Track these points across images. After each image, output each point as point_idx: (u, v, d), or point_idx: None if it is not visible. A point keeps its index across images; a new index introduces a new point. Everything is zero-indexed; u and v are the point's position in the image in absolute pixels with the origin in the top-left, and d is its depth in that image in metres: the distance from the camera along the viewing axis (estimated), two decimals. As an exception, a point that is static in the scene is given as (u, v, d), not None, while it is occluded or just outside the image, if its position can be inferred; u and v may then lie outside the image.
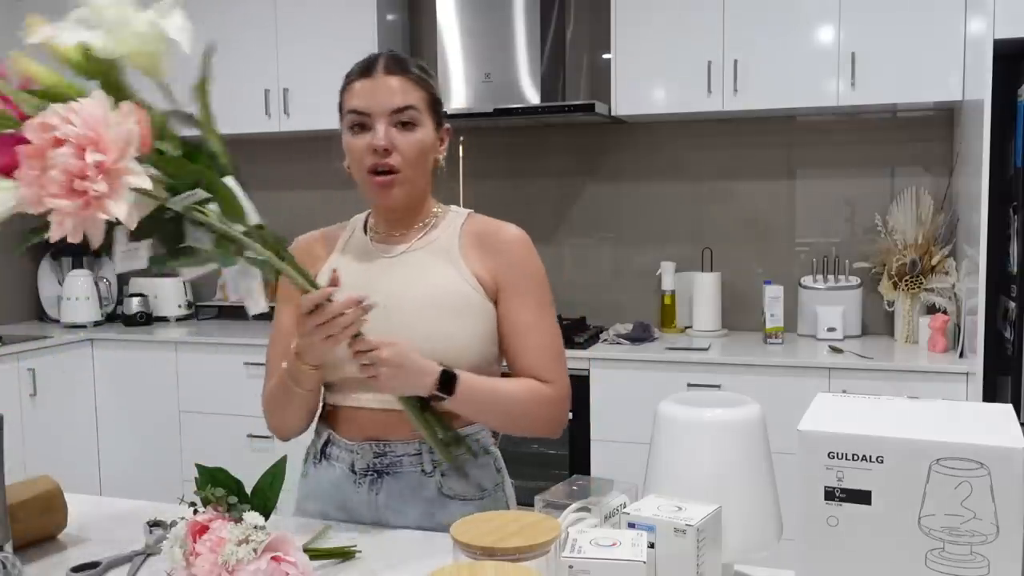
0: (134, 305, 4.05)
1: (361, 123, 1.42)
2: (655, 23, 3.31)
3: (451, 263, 1.47)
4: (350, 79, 1.45)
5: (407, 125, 1.42)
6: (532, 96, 3.41)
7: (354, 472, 1.46)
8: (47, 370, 3.64)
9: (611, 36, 3.37)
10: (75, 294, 4.00)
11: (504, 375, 1.49)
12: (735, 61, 3.21)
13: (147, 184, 1.05)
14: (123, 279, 4.28)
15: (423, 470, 1.45)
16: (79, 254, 4.22)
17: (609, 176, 3.77)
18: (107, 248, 1.11)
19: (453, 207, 1.56)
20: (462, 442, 1.44)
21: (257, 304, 1.20)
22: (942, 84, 3.03)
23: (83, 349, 3.82)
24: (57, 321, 4.10)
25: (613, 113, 3.39)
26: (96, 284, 4.08)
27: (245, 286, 1.19)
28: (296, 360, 1.36)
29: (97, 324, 4.03)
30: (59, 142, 1.01)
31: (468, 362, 1.41)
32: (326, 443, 1.50)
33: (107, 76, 1.09)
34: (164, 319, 4.12)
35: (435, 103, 1.48)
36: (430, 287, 1.44)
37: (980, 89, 2.70)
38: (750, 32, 3.20)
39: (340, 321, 1.27)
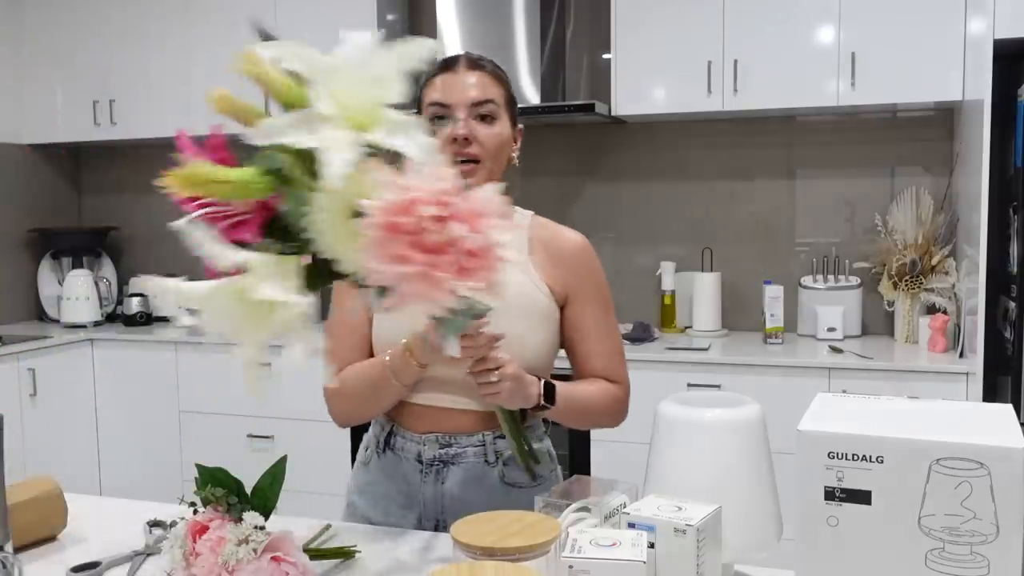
0: (134, 305, 4.05)
1: (441, 115, 1.44)
2: (655, 23, 3.31)
3: (520, 267, 1.49)
4: (430, 76, 1.47)
5: (486, 118, 1.45)
6: (532, 96, 3.41)
7: (420, 462, 1.49)
8: (47, 370, 3.64)
9: (611, 36, 3.37)
10: (75, 294, 4.00)
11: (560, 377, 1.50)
12: (735, 61, 3.21)
13: (513, 256, 0.95)
14: (123, 279, 4.28)
15: (486, 460, 1.49)
16: (79, 254, 4.22)
17: (609, 176, 3.77)
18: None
19: (517, 208, 1.57)
20: (535, 452, 1.52)
21: (455, 350, 1.20)
22: (942, 84, 3.03)
23: (83, 349, 3.82)
24: (57, 321, 4.09)
25: (613, 113, 3.39)
26: (96, 284, 4.08)
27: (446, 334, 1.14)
28: (407, 357, 1.39)
29: (97, 324, 4.03)
30: (441, 219, 0.88)
31: (529, 366, 1.43)
32: (389, 434, 1.52)
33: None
34: (164, 319, 4.11)
35: (512, 101, 1.51)
36: None
37: (980, 89, 2.70)
38: (750, 32, 3.20)
39: (476, 351, 1.32)
